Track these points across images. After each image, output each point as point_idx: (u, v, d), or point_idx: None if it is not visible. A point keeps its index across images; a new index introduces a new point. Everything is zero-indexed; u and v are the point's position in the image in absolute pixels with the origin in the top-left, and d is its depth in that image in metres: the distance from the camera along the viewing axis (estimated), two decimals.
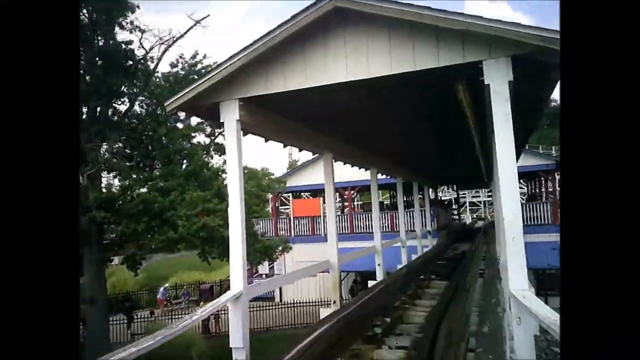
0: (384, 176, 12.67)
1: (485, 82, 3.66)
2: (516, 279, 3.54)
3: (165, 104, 4.62)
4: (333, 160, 6.96)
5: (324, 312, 6.58)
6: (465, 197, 47.40)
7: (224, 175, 14.17)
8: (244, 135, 5.49)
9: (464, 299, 5.87)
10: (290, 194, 29.16)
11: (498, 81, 3.62)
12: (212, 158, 15.17)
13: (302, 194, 29.44)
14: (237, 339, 4.25)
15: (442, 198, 31.66)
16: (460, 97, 4.67)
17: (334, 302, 6.67)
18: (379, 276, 9.07)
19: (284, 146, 6.51)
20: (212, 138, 14.97)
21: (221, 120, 4.50)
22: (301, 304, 19.98)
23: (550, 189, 23.00)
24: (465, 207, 46.95)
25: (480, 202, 57.42)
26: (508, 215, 3.60)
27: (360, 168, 10.15)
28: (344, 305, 5.48)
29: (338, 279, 6.90)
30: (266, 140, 6.04)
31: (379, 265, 9.35)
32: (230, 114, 4.45)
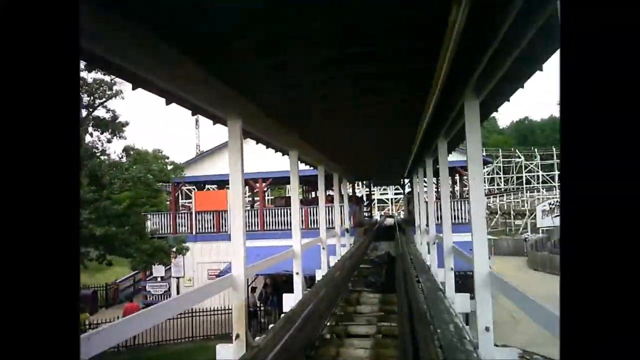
0: (302, 166, 10.80)
1: None
2: None
3: None
4: (242, 131, 4.80)
5: (223, 354, 4.47)
6: (374, 193, 48.39)
7: (102, 157, 11.25)
8: (91, 68, 3.15)
9: (431, 336, 4.09)
10: (194, 187, 26.28)
11: None
12: (90, 135, 12.15)
13: (206, 185, 26.65)
14: None
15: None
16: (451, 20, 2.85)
17: (238, 336, 4.55)
18: (298, 290, 7.10)
19: (167, 103, 4.24)
20: (90, 110, 11.85)
21: None
22: (201, 313, 17.38)
23: (466, 188, 22.93)
24: (374, 204, 47.80)
25: (388, 199, 59.02)
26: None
27: (277, 151, 8.09)
28: (252, 348, 3.41)
29: (245, 302, 4.78)
30: (134, 88, 3.74)
31: (297, 274, 7.37)
32: None
